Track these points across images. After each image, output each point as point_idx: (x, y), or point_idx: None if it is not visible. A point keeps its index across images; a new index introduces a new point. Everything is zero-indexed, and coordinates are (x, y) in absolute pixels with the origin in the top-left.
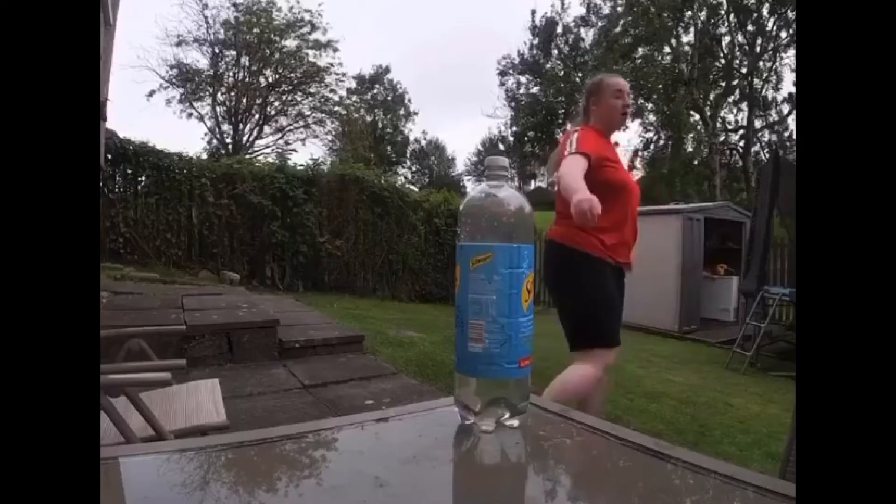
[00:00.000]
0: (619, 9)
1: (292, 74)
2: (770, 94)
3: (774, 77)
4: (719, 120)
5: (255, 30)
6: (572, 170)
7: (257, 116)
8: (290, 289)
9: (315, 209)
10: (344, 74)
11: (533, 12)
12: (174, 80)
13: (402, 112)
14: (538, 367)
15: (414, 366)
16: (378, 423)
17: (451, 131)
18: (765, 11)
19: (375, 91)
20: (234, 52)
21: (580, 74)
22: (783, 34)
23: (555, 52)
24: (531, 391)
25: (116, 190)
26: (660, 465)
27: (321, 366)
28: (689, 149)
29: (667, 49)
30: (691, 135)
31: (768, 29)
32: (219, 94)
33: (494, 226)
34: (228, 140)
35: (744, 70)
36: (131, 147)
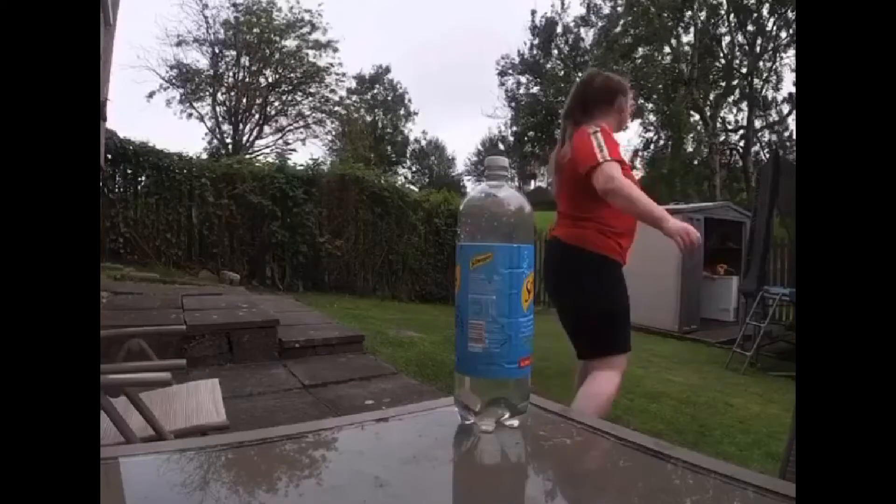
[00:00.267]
0: (619, 9)
1: (292, 74)
2: (770, 94)
3: (774, 77)
4: (719, 120)
5: (255, 30)
6: (638, 191)
7: (257, 116)
8: (290, 289)
9: (315, 209)
10: (344, 74)
11: (533, 12)
12: (174, 81)
13: (402, 112)
14: (538, 367)
15: (414, 366)
16: (378, 423)
17: (451, 131)
18: (765, 11)
19: (375, 91)
20: (234, 52)
21: (580, 74)
22: (783, 34)
23: (555, 52)
24: (531, 391)
25: (116, 190)
26: (660, 465)
27: (321, 366)
28: (689, 149)
29: (667, 49)
30: (691, 135)
31: (768, 29)
32: (219, 94)
33: (494, 226)
34: (228, 140)
35: (744, 70)
36: (131, 147)
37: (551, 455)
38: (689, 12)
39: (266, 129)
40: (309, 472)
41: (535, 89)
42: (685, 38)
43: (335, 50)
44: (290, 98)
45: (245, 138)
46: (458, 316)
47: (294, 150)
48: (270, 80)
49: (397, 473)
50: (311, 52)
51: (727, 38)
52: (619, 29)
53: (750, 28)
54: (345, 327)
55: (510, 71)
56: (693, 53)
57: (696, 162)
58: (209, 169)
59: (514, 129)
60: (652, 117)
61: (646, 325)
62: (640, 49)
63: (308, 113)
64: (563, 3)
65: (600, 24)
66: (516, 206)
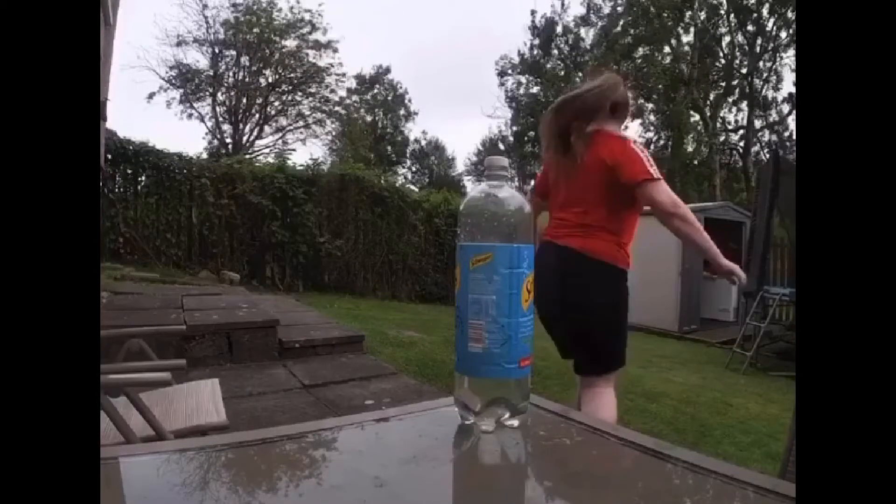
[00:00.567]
0: (619, 9)
1: (292, 74)
2: (770, 94)
3: (774, 77)
4: (719, 120)
5: (255, 30)
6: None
7: (257, 116)
8: (290, 289)
9: (315, 209)
10: (344, 75)
11: (533, 12)
12: (174, 81)
13: (402, 112)
14: (538, 367)
15: (414, 366)
16: (378, 423)
17: (451, 131)
18: (765, 11)
19: (375, 91)
20: (234, 52)
21: (580, 74)
22: (783, 34)
23: (555, 52)
24: (531, 391)
25: (116, 190)
26: (660, 465)
27: (321, 366)
28: (689, 149)
29: (667, 49)
30: (691, 135)
31: (768, 29)
32: (219, 94)
33: (494, 226)
34: (228, 140)
35: (744, 70)
36: (131, 147)
37: (551, 455)
38: (689, 12)
39: (266, 129)
40: (309, 472)
41: (535, 89)
42: (685, 38)
43: (335, 50)
44: (290, 98)
45: (245, 138)
46: (458, 316)
47: (294, 150)
48: (270, 80)
49: (397, 473)
50: (311, 52)
51: (727, 38)
52: (619, 29)
53: (750, 28)
54: (345, 327)
55: (510, 71)
56: (693, 53)
57: (696, 162)
58: (209, 169)
59: (514, 129)
60: (652, 117)
61: (646, 325)
62: (640, 49)
63: (308, 113)
64: (563, 3)
65: (600, 24)
66: (516, 206)
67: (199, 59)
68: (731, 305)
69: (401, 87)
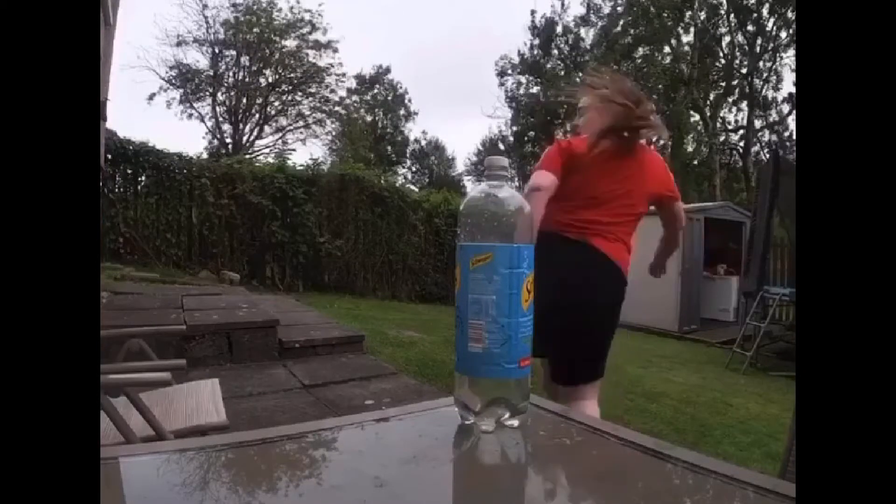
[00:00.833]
0: (619, 9)
1: (292, 74)
2: (770, 94)
3: (774, 77)
4: (719, 120)
5: (255, 30)
6: None
7: (257, 116)
8: (290, 289)
9: (315, 209)
10: (344, 75)
11: (533, 12)
12: (174, 81)
13: (402, 112)
14: (538, 367)
15: (414, 366)
16: (378, 423)
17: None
18: (765, 11)
19: (375, 91)
20: (234, 52)
21: (580, 74)
22: (783, 34)
23: (555, 52)
24: (531, 391)
25: (116, 190)
26: (660, 465)
27: (321, 366)
28: (690, 149)
29: (667, 49)
30: (691, 135)
31: (768, 29)
32: (219, 94)
33: (494, 226)
34: (228, 140)
35: (744, 70)
36: (131, 147)
37: (551, 455)
38: (689, 12)
39: (266, 129)
40: (309, 472)
41: (535, 89)
42: (685, 38)
43: (335, 50)
44: (290, 98)
45: (245, 138)
46: (458, 316)
47: (294, 150)
48: (270, 80)
49: (397, 473)
50: (311, 52)
51: (727, 38)
52: (619, 29)
53: (750, 28)
54: (345, 327)
55: (510, 71)
56: (693, 53)
57: (696, 162)
58: (209, 169)
59: (514, 129)
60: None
61: (646, 325)
62: (640, 49)
63: (308, 113)
64: (563, 3)
65: (600, 24)
66: (516, 206)
67: (199, 59)
68: (731, 305)
69: (401, 87)
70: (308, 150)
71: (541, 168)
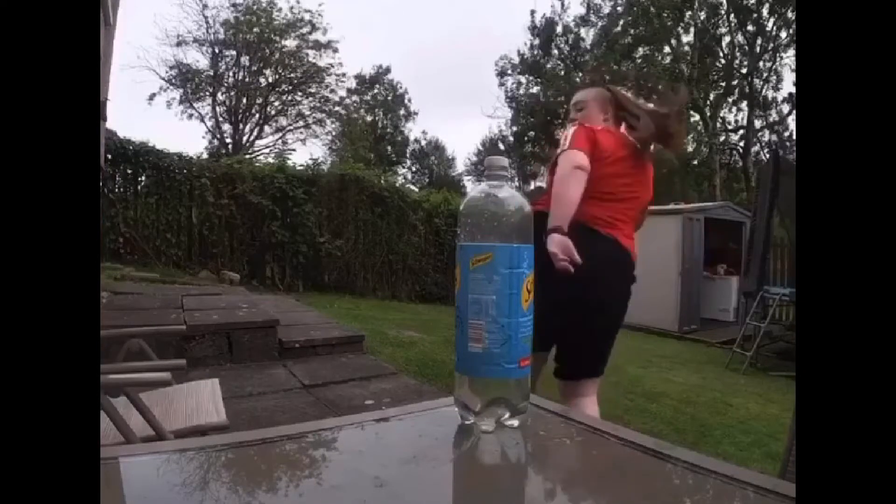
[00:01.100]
0: (619, 9)
1: (292, 74)
2: (770, 94)
3: (774, 77)
4: (719, 120)
5: (255, 30)
6: None
7: (257, 116)
8: (290, 289)
9: (315, 209)
10: (344, 75)
11: (532, 12)
12: (174, 81)
13: (402, 112)
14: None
15: (414, 366)
16: (378, 423)
17: (451, 131)
18: (765, 11)
19: (375, 91)
20: (234, 52)
21: (580, 74)
22: (783, 34)
23: (555, 52)
24: (531, 391)
25: (116, 190)
26: (660, 465)
27: (321, 366)
28: (690, 149)
29: (667, 49)
30: (691, 135)
31: (768, 29)
32: (219, 94)
33: (494, 226)
34: (228, 140)
35: (744, 70)
36: (131, 147)
37: (551, 455)
38: (689, 12)
39: (266, 129)
40: (309, 472)
41: (534, 89)
42: (685, 38)
43: (335, 50)
44: (290, 98)
45: (245, 138)
46: (458, 316)
47: (294, 150)
48: (270, 80)
49: (397, 473)
50: (311, 52)
51: (727, 38)
52: (619, 29)
53: (750, 28)
54: (345, 327)
55: (510, 71)
56: (693, 53)
57: (696, 162)
58: (209, 169)
59: (514, 129)
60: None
61: (646, 325)
62: (640, 49)
63: (308, 113)
64: (563, 3)
65: (600, 24)
66: (516, 206)
67: (199, 59)
68: (731, 305)
69: (401, 87)
70: (308, 150)
71: (574, 147)
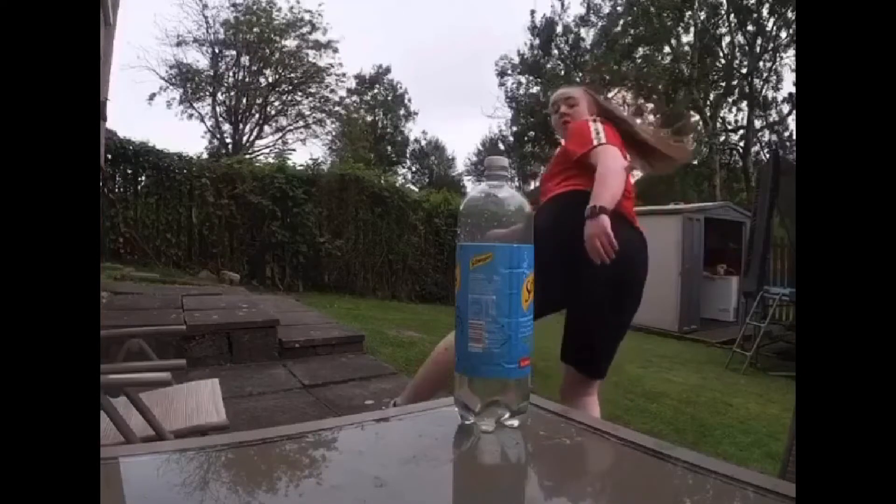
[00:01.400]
0: (619, 9)
1: (292, 74)
2: (770, 94)
3: (774, 77)
4: (719, 120)
5: (255, 30)
6: None
7: (257, 116)
8: (290, 289)
9: (315, 209)
10: (344, 75)
11: (532, 12)
12: (174, 81)
13: (402, 112)
14: (538, 367)
15: (414, 366)
16: (378, 423)
17: (451, 131)
18: (765, 11)
19: (375, 91)
20: (234, 52)
21: (580, 74)
22: (783, 34)
23: (555, 52)
24: (531, 391)
25: (116, 190)
26: (660, 465)
27: (321, 366)
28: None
29: (667, 49)
30: (691, 135)
31: (768, 29)
32: (219, 94)
33: (494, 226)
34: (228, 140)
35: (744, 70)
36: (131, 147)
37: (551, 455)
38: (689, 12)
39: (266, 129)
40: (309, 472)
41: (535, 89)
42: (685, 38)
43: (335, 50)
44: (290, 98)
45: (245, 138)
46: (458, 316)
47: (294, 150)
48: (270, 80)
49: (397, 473)
50: (311, 52)
51: (727, 38)
52: (619, 29)
53: (750, 28)
54: (345, 327)
55: (510, 71)
56: (693, 53)
57: (696, 162)
58: (209, 169)
59: (514, 129)
60: (651, 117)
61: (646, 325)
62: (640, 49)
63: (308, 113)
64: (563, 3)
65: (600, 24)
66: (516, 206)
67: (199, 59)
68: (731, 305)
69: (401, 87)
70: (308, 150)
71: (611, 143)
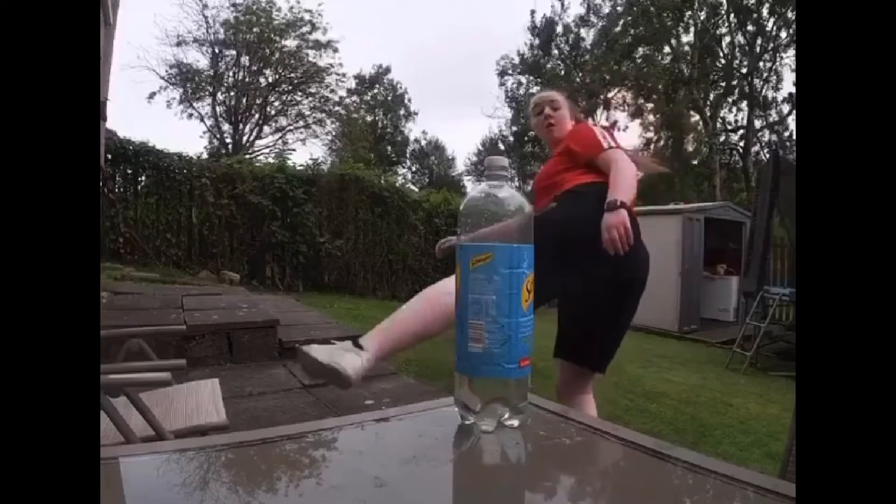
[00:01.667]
0: (619, 9)
1: (292, 74)
2: (770, 94)
3: (774, 77)
4: (719, 120)
5: (255, 29)
6: None
7: (257, 116)
8: (290, 289)
9: (315, 209)
10: (344, 75)
11: (532, 12)
12: (174, 80)
13: (402, 112)
14: (538, 367)
15: (414, 366)
16: (378, 423)
17: (451, 131)
18: (765, 11)
19: (375, 91)
20: (234, 52)
21: (580, 74)
22: (783, 34)
23: (555, 52)
24: (531, 391)
25: (116, 190)
26: (660, 465)
27: None
28: (690, 149)
29: (667, 49)
30: (691, 135)
31: (768, 29)
32: (219, 94)
33: (494, 226)
34: (228, 140)
35: (744, 70)
36: (131, 147)
37: (551, 455)
38: (689, 12)
39: (266, 129)
40: (309, 472)
41: (535, 89)
42: (685, 38)
43: (335, 50)
44: (290, 98)
45: (245, 138)
46: (458, 316)
47: (294, 150)
48: (270, 80)
49: (397, 473)
50: (311, 52)
51: (727, 38)
52: (619, 29)
53: (750, 28)
54: (345, 327)
55: (510, 71)
56: (693, 53)
57: (696, 162)
58: (209, 169)
59: (514, 129)
60: (652, 117)
61: (646, 325)
62: (640, 49)
63: (308, 113)
64: (563, 3)
65: (600, 24)
66: (516, 206)
67: (199, 58)
68: (731, 305)
69: (401, 87)
70: (308, 150)
71: (620, 148)
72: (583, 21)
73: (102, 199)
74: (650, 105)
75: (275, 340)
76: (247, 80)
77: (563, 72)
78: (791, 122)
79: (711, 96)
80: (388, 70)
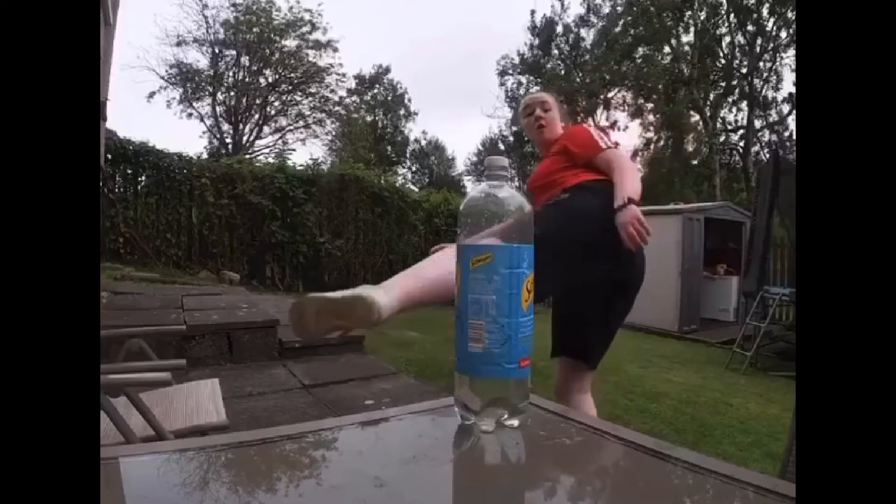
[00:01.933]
0: (619, 9)
1: (292, 74)
2: (770, 94)
3: (774, 77)
4: (719, 120)
5: (255, 29)
6: None
7: (257, 116)
8: (290, 289)
9: (315, 209)
10: (344, 75)
11: (532, 12)
12: (174, 80)
13: (402, 112)
14: (538, 367)
15: (414, 366)
16: (378, 423)
17: (451, 131)
18: (765, 11)
19: (375, 91)
20: (234, 52)
21: (580, 74)
22: (783, 34)
23: (555, 52)
24: (531, 391)
25: (116, 190)
26: (660, 465)
27: (321, 366)
28: (690, 149)
29: (667, 49)
30: (691, 135)
31: (768, 29)
32: (218, 94)
33: (494, 226)
34: (228, 140)
35: (744, 70)
36: (131, 147)
37: (551, 455)
38: (689, 12)
39: (266, 129)
40: (309, 472)
41: (535, 89)
42: (685, 38)
43: (335, 50)
44: (290, 98)
45: (245, 138)
46: (458, 316)
47: (294, 150)
48: (270, 80)
49: (397, 473)
50: (311, 52)
51: (727, 38)
52: (619, 29)
53: (750, 28)
54: None
55: (510, 71)
56: (693, 53)
57: (695, 162)
58: (209, 169)
59: (514, 129)
60: (652, 117)
61: (646, 325)
62: (640, 49)
63: (308, 113)
64: (563, 3)
65: (600, 24)
66: (516, 206)
67: (199, 58)
68: (731, 305)
69: (401, 87)
70: (308, 150)
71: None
72: (583, 21)
73: (102, 199)
74: (650, 105)
75: (275, 340)
76: (247, 80)
77: (563, 72)
78: (791, 122)
79: (711, 96)
80: (388, 70)
